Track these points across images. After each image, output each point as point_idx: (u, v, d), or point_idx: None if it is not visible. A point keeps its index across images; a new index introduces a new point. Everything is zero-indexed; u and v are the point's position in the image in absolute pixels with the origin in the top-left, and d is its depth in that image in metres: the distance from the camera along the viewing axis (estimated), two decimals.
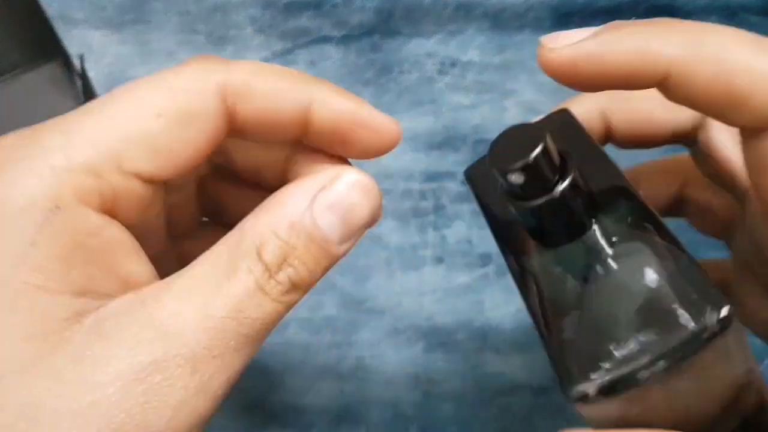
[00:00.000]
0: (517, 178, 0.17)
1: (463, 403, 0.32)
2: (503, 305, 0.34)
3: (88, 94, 0.36)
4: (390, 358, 0.33)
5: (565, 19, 0.41)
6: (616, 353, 0.16)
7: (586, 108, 0.22)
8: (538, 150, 0.16)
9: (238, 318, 0.15)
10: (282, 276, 0.16)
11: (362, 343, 0.33)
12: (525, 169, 0.16)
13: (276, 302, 0.16)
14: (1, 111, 0.37)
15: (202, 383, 0.15)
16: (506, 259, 0.19)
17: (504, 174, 0.17)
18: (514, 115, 0.38)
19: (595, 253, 0.17)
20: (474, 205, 0.36)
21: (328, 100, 0.19)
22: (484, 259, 0.35)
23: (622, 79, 0.17)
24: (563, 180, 0.17)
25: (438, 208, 0.36)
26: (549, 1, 0.41)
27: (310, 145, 0.19)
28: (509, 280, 0.34)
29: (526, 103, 0.39)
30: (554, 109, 0.22)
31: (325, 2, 0.40)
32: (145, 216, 0.17)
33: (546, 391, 0.32)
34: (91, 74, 0.37)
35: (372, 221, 0.19)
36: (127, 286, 0.15)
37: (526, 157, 0.16)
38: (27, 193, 0.14)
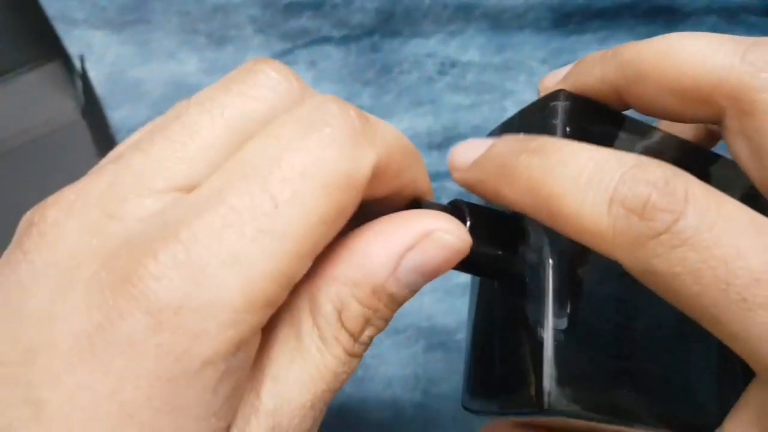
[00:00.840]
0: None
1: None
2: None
3: (88, 94, 0.36)
4: (390, 357, 0.33)
5: (564, 20, 0.41)
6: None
7: (593, 83, 0.21)
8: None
9: (335, 385, 0.16)
10: (365, 338, 0.16)
11: None
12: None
13: (358, 358, 0.16)
14: (2, 111, 0.37)
15: None
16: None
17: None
18: None
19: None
20: None
21: (420, 181, 0.19)
22: None
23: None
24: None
25: None
26: (548, 2, 0.41)
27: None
28: None
29: (525, 103, 0.39)
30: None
31: (325, 2, 0.40)
32: None
33: None
34: (92, 74, 0.37)
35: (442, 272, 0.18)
36: None
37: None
38: (215, 348, 0.13)
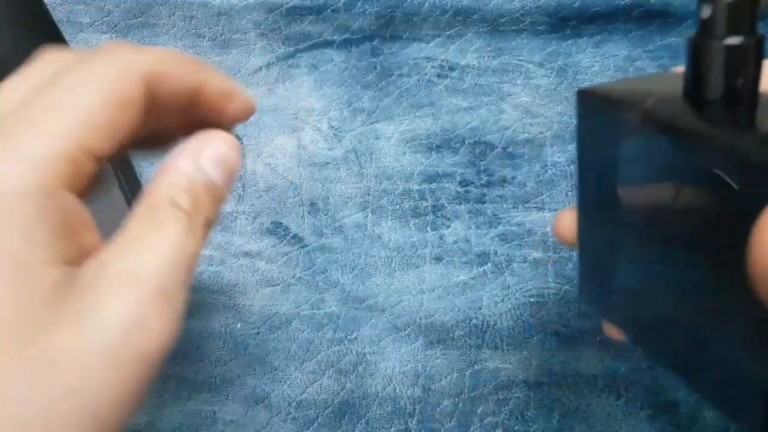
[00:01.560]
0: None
1: (461, 398, 0.33)
2: (500, 303, 0.34)
3: None
4: (390, 354, 0.33)
5: (560, 24, 0.41)
6: None
7: None
8: None
9: (183, 255, 0.18)
10: (200, 218, 0.20)
11: (363, 339, 0.34)
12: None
13: (199, 239, 0.19)
14: None
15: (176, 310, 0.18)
16: (582, 193, 0.19)
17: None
18: (510, 118, 0.39)
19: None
20: (471, 206, 0.37)
21: (213, 81, 0.23)
22: (482, 258, 0.35)
23: None
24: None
25: (437, 209, 0.36)
26: (545, 6, 0.42)
27: (198, 115, 0.23)
28: (506, 279, 0.35)
29: (522, 105, 0.39)
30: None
31: (326, 7, 0.41)
32: (92, 191, 0.20)
33: (542, 386, 0.33)
34: None
35: (239, 168, 0.23)
36: (88, 254, 0.19)
37: None
38: (24, 183, 0.17)
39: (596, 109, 0.19)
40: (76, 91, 0.18)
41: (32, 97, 0.18)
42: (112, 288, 0.17)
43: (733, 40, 0.16)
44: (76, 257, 0.18)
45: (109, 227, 0.36)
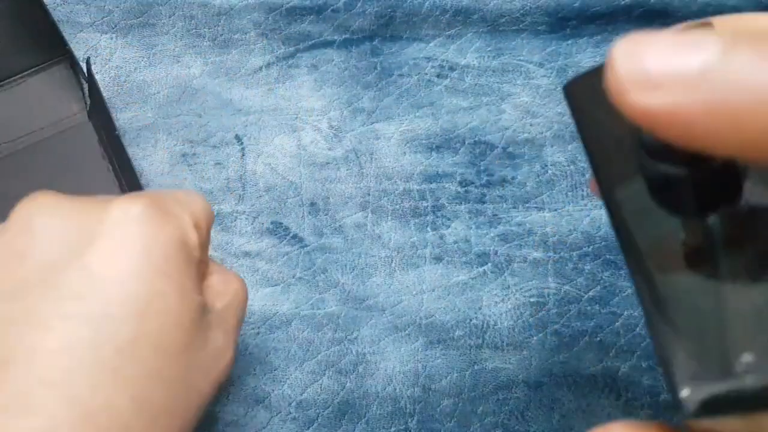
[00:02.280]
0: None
1: (461, 398, 0.33)
2: (501, 303, 0.34)
3: (94, 96, 0.36)
4: (390, 354, 0.33)
5: (561, 24, 0.41)
6: (747, 360, 0.13)
7: None
8: None
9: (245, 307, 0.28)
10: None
11: (363, 339, 0.34)
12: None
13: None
14: (9, 113, 0.37)
15: None
16: (599, 185, 0.17)
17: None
18: (510, 118, 0.39)
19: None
20: (472, 206, 0.37)
21: None
22: (482, 258, 0.35)
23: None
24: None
25: (437, 209, 0.36)
26: (545, 6, 0.42)
27: None
28: (506, 278, 0.35)
29: (522, 105, 0.39)
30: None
31: (326, 7, 0.41)
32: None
33: (542, 386, 0.33)
34: (98, 77, 0.38)
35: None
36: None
37: None
38: (185, 238, 0.23)
39: (587, 96, 0.17)
40: (191, 200, 0.26)
41: (166, 192, 0.26)
42: (213, 324, 0.24)
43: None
44: (200, 293, 0.24)
45: None
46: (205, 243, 0.25)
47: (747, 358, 0.13)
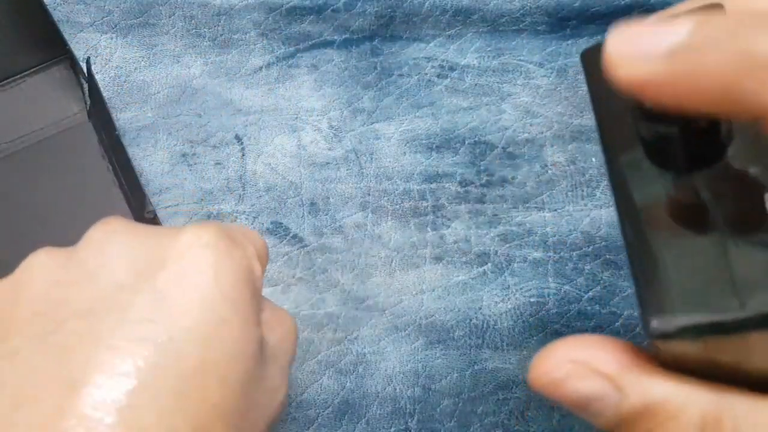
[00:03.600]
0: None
1: (461, 398, 0.33)
2: (501, 303, 0.34)
3: (94, 96, 0.36)
4: (390, 354, 0.33)
5: (561, 24, 0.41)
6: (718, 298, 0.15)
7: None
8: None
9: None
10: None
11: (363, 339, 0.34)
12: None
13: None
14: (10, 113, 0.37)
15: None
16: (605, 156, 0.18)
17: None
18: (510, 118, 0.39)
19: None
20: (472, 206, 0.37)
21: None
22: (482, 258, 0.35)
23: (702, 109, 0.15)
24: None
25: (437, 209, 0.36)
26: (545, 6, 0.42)
27: None
28: (507, 279, 0.35)
29: (522, 105, 0.39)
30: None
31: (326, 7, 0.41)
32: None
33: None
34: (98, 77, 0.38)
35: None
36: None
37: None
38: (250, 269, 0.23)
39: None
40: (253, 234, 0.26)
41: (229, 225, 0.29)
42: (269, 359, 0.24)
43: None
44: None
45: None
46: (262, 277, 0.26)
47: (717, 295, 0.15)
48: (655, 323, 0.15)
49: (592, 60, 0.19)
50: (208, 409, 0.20)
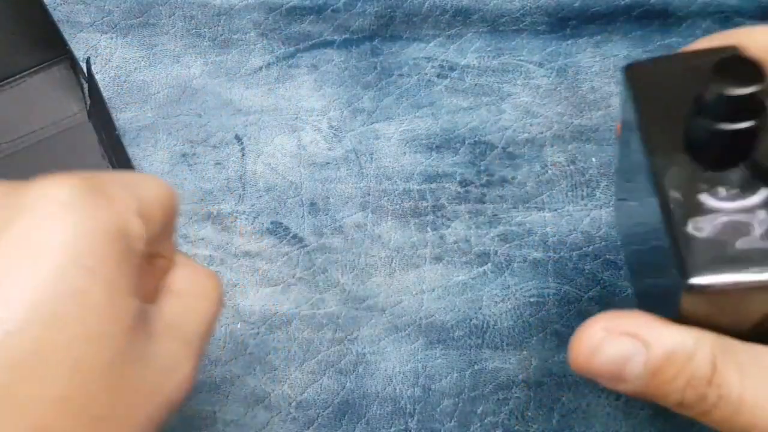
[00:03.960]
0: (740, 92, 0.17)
1: (461, 398, 0.33)
2: (501, 303, 0.34)
3: (94, 96, 0.36)
4: (390, 354, 0.33)
5: (560, 24, 0.41)
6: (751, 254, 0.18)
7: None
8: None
9: (215, 320, 0.24)
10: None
11: (363, 339, 0.34)
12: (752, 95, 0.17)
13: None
14: (10, 113, 0.37)
15: None
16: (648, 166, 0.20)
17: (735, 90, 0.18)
18: (510, 118, 0.39)
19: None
20: (472, 206, 0.37)
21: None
22: (482, 258, 0.35)
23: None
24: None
25: (437, 209, 0.36)
26: (545, 6, 0.42)
27: None
28: (506, 279, 0.35)
29: (522, 105, 0.39)
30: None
31: (326, 7, 0.41)
32: None
33: (542, 385, 0.33)
34: (98, 77, 0.38)
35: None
36: (149, 294, 0.22)
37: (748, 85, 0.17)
38: (118, 225, 0.19)
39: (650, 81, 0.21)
40: (143, 184, 0.22)
41: (112, 174, 0.23)
42: (162, 332, 0.21)
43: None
44: (142, 295, 0.20)
45: None
46: (158, 234, 0.21)
47: (748, 256, 0.18)
48: (696, 279, 0.18)
49: (638, 76, 0.21)
50: (50, 402, 0.17)
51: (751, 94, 0.17)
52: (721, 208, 0.19)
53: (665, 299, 0.21)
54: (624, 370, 0.20)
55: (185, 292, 0.22)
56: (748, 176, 0.19)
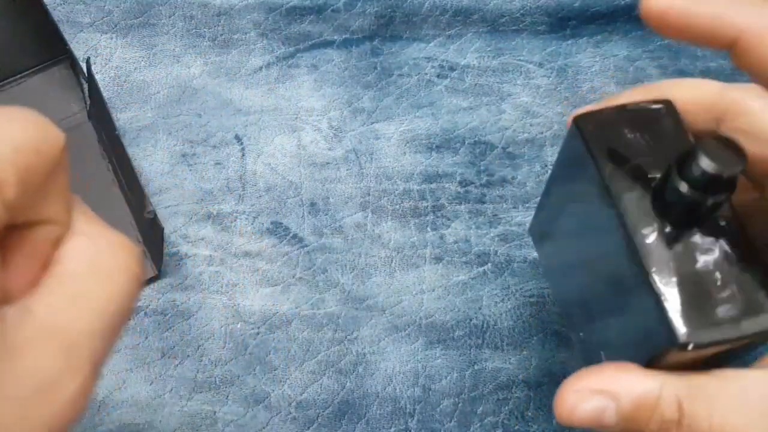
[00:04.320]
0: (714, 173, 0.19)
1: (461, 398, 0.33)
2: (500, 303, 0.34)
3: (94, 96, 0.36)
4: (390, 354, 0.33)
5: (561, 24, 0.41)
6: (724, 316, 0.20)
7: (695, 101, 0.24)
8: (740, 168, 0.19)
9: (123, 316, 0.18)
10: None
11: (363, 339, 0.34)
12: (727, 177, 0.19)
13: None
14: None
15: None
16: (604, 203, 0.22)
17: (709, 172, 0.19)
18: (510, 118, 0.39)
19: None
20: (472, 206, 0.37)
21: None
22: (482, 258, 0.35)
23: (701, 36, 0.20)
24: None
25: (437, 209, 0.36)
26: (545, 6, 0.42)
27: None
28: (506, 279, 0.35)
29: (522, 105, 0.39)
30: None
31: (326, 7, 0.41)
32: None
33: (542, 385, 0.33)
34: (98, 77, 0.38)
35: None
36: (9, 293, 0.16)
37: (734, 168, 0.19)
38: None
39: (601, 132, 0.23)
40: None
41: None
42: (34, 343, 0.15)
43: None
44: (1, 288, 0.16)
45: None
46: (34, 192, 0.16)
47: (723, 313, 0.20)
48: (685, 336, 0.20)
49: (587, 126, 0.23)
50: None
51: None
52: (693, 264, 0.20)
53: (633, 346, 0.22)
54: (602, 420, 0.21)
55: (79, 273, 0.16)
56: (711, 236, 0.20)
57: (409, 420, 0.32)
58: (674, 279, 0.20)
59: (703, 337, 0.20)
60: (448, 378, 0.33)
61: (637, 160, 0.22)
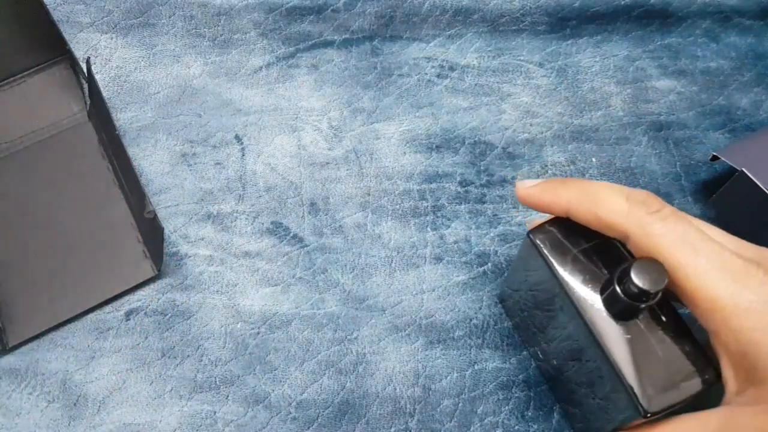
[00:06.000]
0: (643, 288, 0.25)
1: (461, 398, 0.33)
2: (500, 303, 0.34)
3: (94, 96, 0.36)
4: (390, 354, 0.33)
5: (561, 24, 0.41)
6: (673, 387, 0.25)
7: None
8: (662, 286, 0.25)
9: None
10: None
11: (363, 339, 0.34)
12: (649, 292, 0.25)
13: None
14: (10, 113, 0.37)
15: None
16: (566, 301, 0.27)
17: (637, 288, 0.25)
18: (510, 118, 0.39)
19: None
20: (472, 206, 0.37)
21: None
22: (482, 258, 0.35)
23: (550, 209, 0.28)
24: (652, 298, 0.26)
25: (437, 209, 0.36)
26: (545, 7, 0.42)
27: None
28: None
29: (522, 105, 0.39)
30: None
31: (326, 7, 0.41)
32: None
33: (542, 385, 0.33)
34: (98, 77, 0.38)
35: None
36: None
37: (659, 285, 0.25)
38: None
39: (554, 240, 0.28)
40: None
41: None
42: None
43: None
44: None
45: (108, 227, 0.36)
46: None
47: (670, 381, 0.25)
48: (652, 408, 0.25)
49: (541, 237, 0.28)
50: None
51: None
52: (641, 344, 0.26)
53: (600, 411, 0.28)
54: None
55: None
56: (643, 324, 0.26)
57: (409, 420, 0.32)
58: (629, 358, 0.26)
59: (663, 403, 0.25)
60: (448, 378, 0.33)
61: (584, 264, 0.27)
